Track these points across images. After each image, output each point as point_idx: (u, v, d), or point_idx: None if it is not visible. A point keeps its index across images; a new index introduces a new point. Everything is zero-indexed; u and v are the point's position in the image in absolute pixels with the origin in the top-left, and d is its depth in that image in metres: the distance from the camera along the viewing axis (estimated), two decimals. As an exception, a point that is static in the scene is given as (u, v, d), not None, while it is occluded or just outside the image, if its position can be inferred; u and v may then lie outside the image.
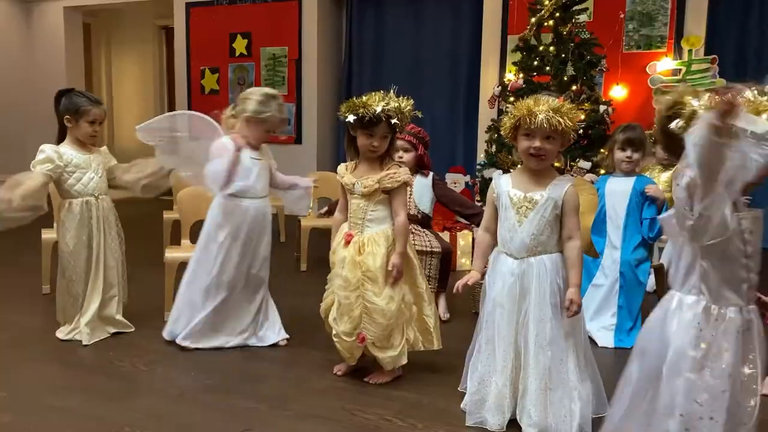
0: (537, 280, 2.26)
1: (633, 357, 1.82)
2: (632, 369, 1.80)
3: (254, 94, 3.02)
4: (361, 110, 2.53)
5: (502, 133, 2.37)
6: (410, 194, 3.62)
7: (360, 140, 2.61)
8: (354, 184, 2.64)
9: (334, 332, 2.70)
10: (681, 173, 1.61)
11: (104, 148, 3.37)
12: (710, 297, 1.67)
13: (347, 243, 2.64)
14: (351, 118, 2.55)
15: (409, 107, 2.61)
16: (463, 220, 4.49)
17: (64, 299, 3.24)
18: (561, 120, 2.16)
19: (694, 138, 1.48)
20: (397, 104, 2.56)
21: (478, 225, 3.84)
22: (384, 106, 2.53)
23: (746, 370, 1.65)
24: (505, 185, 2.34)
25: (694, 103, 1.60)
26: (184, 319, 3.11)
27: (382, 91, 2.58)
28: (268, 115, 3.00)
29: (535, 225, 2.26)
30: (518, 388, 2.32)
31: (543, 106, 2.18)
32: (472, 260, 4.86)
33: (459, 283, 2.38)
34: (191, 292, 3.11)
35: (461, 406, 2.46)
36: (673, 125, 1.63)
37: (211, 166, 2.95)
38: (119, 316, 3.31)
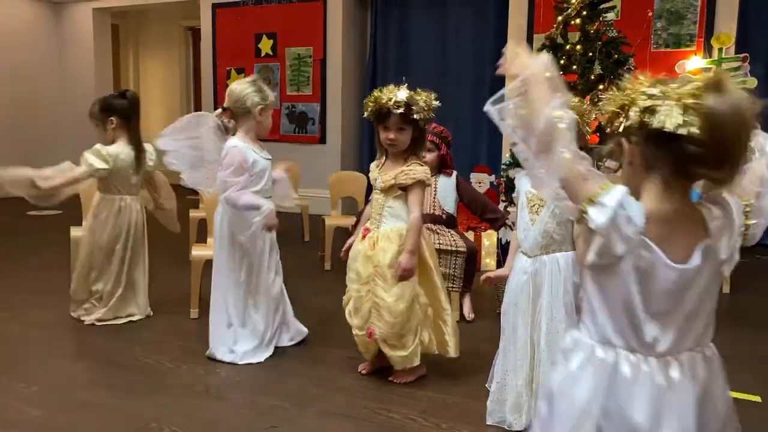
0: (549, 278, 2.24)
1: None
2: None
3: (249, 85, 2.94)
4: (371, 104, 2.56)
5: None
6: (434, 194, 3.61)
7: (380, 134, 2.64)
8: (376, 179, 2.66)
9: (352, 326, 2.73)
10: None
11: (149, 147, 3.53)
12: None
13: (363, 237, 2.66)
14: (366, 114, 2.59)
15: (426, 97, 2.56)
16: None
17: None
18: None
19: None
20: (409, 94, 2.54)
21: (498, 229, 3.83)
22: (392, 97, 2.52)
23: None
24: (525, 184, 2.33)
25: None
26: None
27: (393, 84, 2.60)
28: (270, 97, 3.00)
29: (546, 222, 2.24)
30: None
31: None
32: (497, 260, 4.83)
33: (484, 275, 2.40)
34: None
35: (488, 404, 2.44)
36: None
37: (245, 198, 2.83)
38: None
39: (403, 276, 2.55)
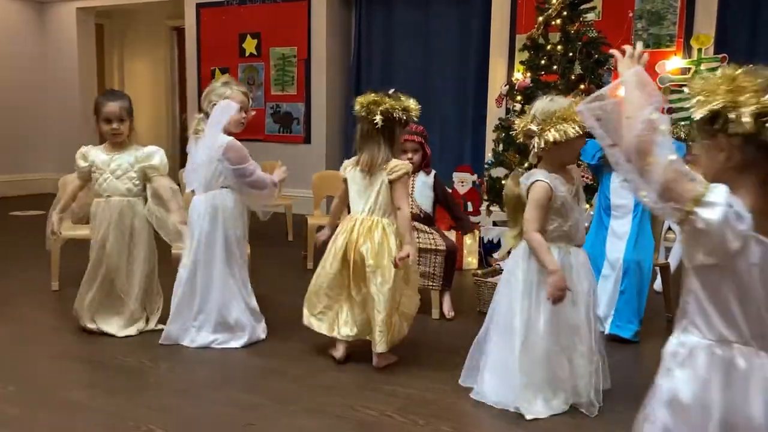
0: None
1: None
2: None
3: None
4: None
5: None
6: (412, 192, 3.63)
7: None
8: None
9: None
10: None
11: (147, 149, 3.26)
12: None
13: None
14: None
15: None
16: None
17: None
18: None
19: None
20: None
21: (465, 233, 4.10)
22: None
23: None
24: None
25: None
26: None
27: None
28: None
29: None
30: None
31: None
32: (479, 259, 4.87)
33: None
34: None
35: None
36: None
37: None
38: (106, 325, 3.24)
39: None
